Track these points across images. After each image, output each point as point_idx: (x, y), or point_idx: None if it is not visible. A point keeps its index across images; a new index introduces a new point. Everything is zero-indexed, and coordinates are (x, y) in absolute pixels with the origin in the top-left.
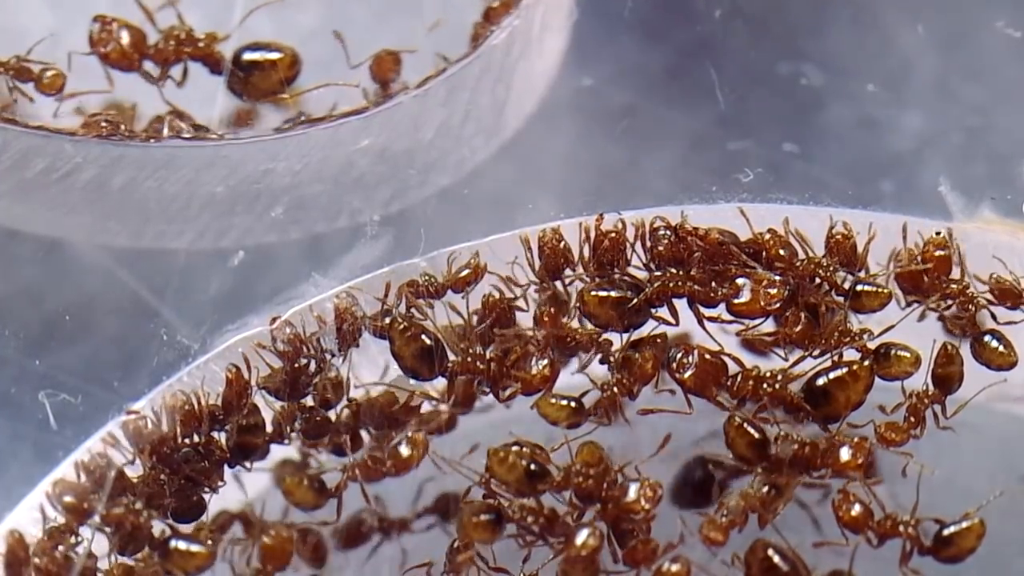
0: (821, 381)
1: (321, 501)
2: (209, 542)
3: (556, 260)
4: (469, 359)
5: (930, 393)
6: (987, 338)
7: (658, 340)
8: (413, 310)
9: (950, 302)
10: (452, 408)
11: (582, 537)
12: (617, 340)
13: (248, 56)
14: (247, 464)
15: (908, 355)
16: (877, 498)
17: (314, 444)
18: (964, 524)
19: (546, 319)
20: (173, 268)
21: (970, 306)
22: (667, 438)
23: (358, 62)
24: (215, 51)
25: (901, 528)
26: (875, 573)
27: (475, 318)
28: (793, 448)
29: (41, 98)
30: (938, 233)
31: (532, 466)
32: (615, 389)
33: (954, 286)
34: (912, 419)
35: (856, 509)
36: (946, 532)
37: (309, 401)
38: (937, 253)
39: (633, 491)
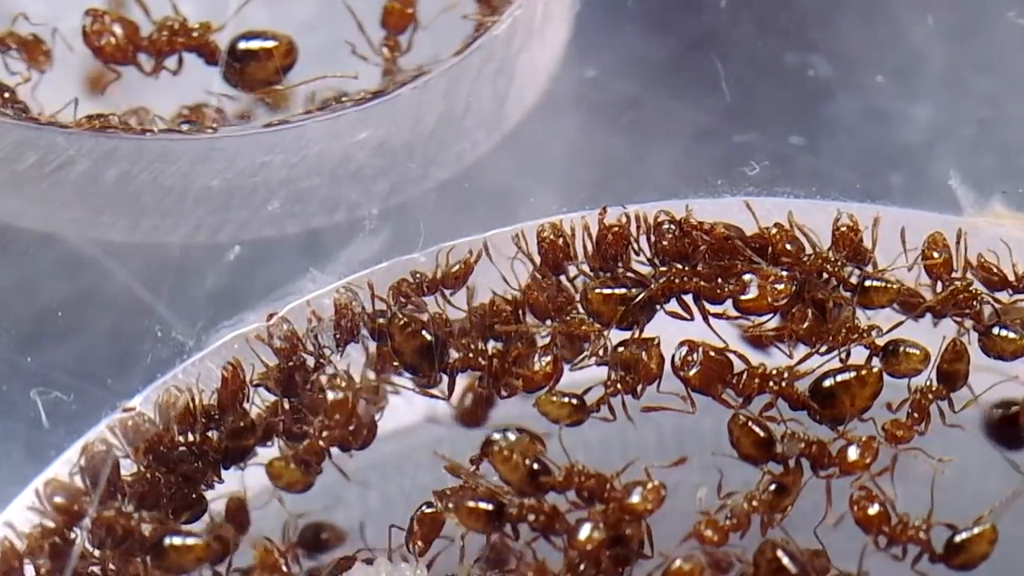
0: (828, 383)
1: (310, 479)
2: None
3: (556, 255)
4: (471, 355)
5: (934, 388)
6: (994, 330)
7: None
8: (407, 309)
9: (953, 301)
10: (460, 420)
11: (586, 531)
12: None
13: (243, 45)
14: (241, 465)
15: (917, 352)
16: (888, 499)
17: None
18: (975, 530)
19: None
20: (168, 263)
21: (974, 302)
22: (681, 460)
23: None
24: (210, 41)
25: (912, 533)
26: (882, 573)
27: (475, 316)
28: (800, 447)
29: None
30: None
31: (535, 465)
32: (618, 387)
33: (956, 283)
34: (916, 415)
35: (874, 509)
36: (958, 539)
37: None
38: (938, 255)
39: (637, 493)
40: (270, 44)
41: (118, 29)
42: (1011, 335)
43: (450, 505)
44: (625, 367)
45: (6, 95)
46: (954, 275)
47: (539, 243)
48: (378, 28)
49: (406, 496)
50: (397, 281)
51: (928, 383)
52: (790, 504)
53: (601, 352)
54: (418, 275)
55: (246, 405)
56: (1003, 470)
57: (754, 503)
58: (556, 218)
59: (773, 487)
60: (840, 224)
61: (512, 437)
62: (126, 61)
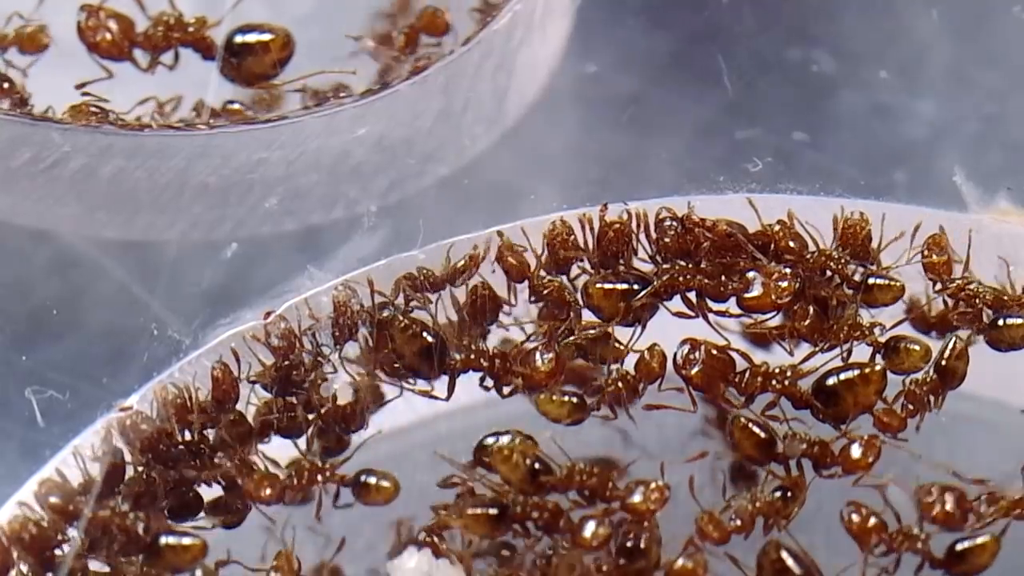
0: (831, 381)
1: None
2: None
3: (564, 252)
4: (472, 356)
5: (928, 380)
6: (1000, 321)
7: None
8: (412, 304)
9: (954, 300)
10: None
11: (591, 528)
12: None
13: (239, 39)
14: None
15: (918, 348)
16: (889, 503)
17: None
18: (978, 540)
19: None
20: (164, 260)
21: (976, 301)
22: (702, 454)
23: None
24: (206, 36)
25: (910, 543)
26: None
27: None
28: (802, 447)
29: (31, 87)
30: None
31: (536, 464)
32: (619, 385)
33: (957, 282)
34: (910, 406)
35: (866, 520)
36: (959, 547)
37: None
38: (938, 256)
39: (639, 492)
40: (266, 37)
41: (113, 25)
42: (1018, 321)
43: (453, 514)
44: (581, 350)
45: (5, 85)
46: (954, 275)
47: (550, 239)
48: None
49: (405, 496)
50: (402, 276)
51: (924, 375)
52: (797, 509)
53: (575, 330)
54: (424, 270)
55: (240, 405)
56: (1008, 470)
57: (757, 504)
58: (557, 215)
59: (778, 494)
60: (850, 221)
61: (505, 440)
62: (122, 57)
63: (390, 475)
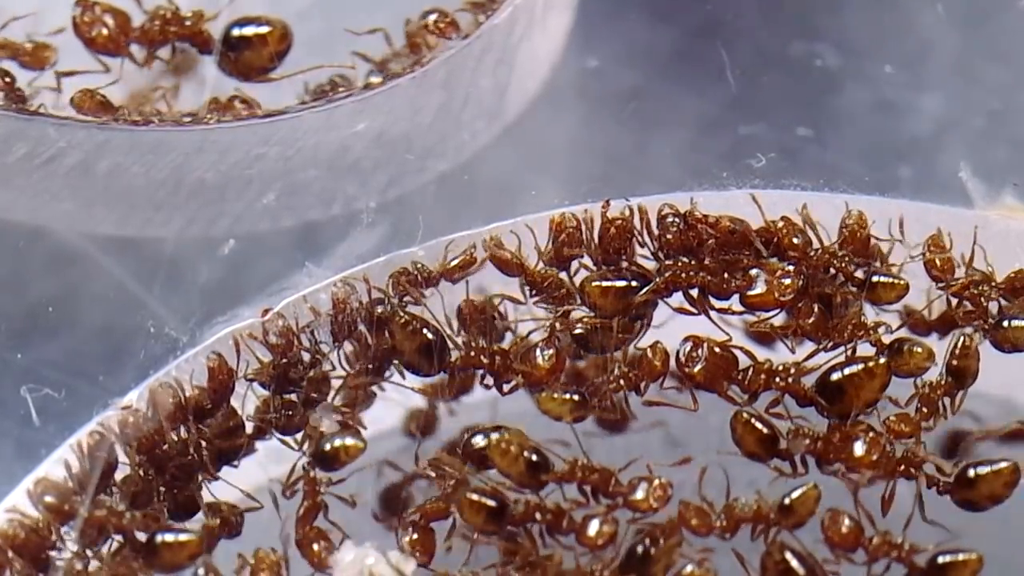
0: (835, 376)
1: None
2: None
3: (569, 247)
4: (472, 353)
5: (944, 383)
6: (1005, 322)
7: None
8: (407, 299)
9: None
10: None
11: (595, 526)
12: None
13: (237, 32)
14: (235, 463)
15: (921, 350)
16: (865, 510)
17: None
18: (960, 556)
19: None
20: (161, 257)
21: (981, 300)
22: (686, 459)
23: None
24: (203, 30)
25: (895, 553)
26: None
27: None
28: (805, 443)
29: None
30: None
31: (534, 458)
32: (621, 383)
33: (961, 281)
34: (924, 410)
35: (838, 524)
36: (940, 560)
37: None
38: (939, 257)
39: (642, 489)
40: (264, 30)
41: (109, 19)
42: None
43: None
44: (582, 341)
45: (6, 80)
46: (957, 274)
47: (557, 232)
48: (374, 17)
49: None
50: (397, 271)
51: (938, 378)
52: (797, 524)
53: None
54: (419, 265)
55: (236, 402)
56: None
57: (747, 511)
58: (558, 211)
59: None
60: (847, 221)
61: (495, 436)
62: (118, 52)
63: (348, 434)
